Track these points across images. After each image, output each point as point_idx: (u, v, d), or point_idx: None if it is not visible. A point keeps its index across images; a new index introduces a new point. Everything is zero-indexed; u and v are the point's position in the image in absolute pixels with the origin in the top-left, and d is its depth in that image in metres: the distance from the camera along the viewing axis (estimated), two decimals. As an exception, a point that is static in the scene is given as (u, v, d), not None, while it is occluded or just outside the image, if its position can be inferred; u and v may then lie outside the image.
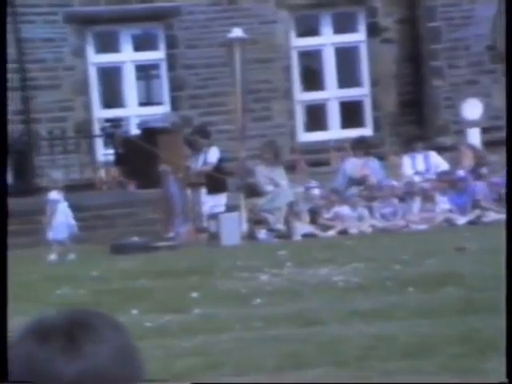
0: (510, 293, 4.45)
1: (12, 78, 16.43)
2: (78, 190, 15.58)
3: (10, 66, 16.42)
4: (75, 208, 14.59)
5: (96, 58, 17.25)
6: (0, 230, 4.27)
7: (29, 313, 8.23)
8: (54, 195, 13.20)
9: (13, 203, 14.93)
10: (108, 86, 17.67)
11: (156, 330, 7.09)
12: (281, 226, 14.13)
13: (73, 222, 13.31)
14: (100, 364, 1.26)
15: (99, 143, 17.24)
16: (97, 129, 17.27)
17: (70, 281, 10.13)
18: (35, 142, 16.40)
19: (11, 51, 16.34)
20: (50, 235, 13.11)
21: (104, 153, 16.82)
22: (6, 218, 4.49)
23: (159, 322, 7.48)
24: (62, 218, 13.12)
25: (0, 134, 5.32)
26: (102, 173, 16.36)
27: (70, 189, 15.62)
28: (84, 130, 16.74)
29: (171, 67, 17.29)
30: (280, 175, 14.76)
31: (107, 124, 17.59)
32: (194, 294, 8.72)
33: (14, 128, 16.35)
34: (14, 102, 16.45)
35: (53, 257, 12.88)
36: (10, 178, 15.26)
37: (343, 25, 18.08)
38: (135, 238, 13.61)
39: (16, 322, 7.71)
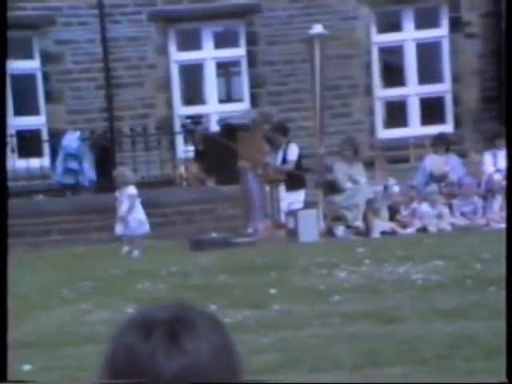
0: (510, 293, 4.35)
1: (97, 77, 16.76)
2: (158, 186, 15.80)
3: (96, 65, 16.77)
4: (155, 204, 14.79)
5: (178, 56, 17.43)
6: (0, 230, 4.27)
7: (110, 307, 8.38)
8: (132, 190, 13.25)
9: (96, 199, 15.25)
10: (189, 83, 17.83)
11: (235, 325, 7.14)
12: (359, 223, 14.07)
13: (145, 217, 13.35)
14: (200, 361, 1.27)
15: (180, 140, 17.42)
16: (178, 125, 17.45)
17: (150, 276, 10.25)
18: (118, 139, 16.66)
19: (97, 50, 16.65)
20: (126, 230, 13.13)
21: (184, 149, 16.99)
22: (5, 218, 4.49)
23: (238, 318, 7.53)
24: (138, 213, 13.20)
25: (0, 132, 5.35)
26: (182, 169, 16.52)
27: (150, 185, 15.86)
28: (165, 127, 16.94)
29: (251, 64, 17.36)
30: (359, 172, 14.69)
31: (188, 121, 17.76)
32: (273, 290, 8.75)
33: (98, 125, 16.65)
34: (98, 100, 16.75)
35: (125, 252, 12.96)
36: (93, 175, 15.56)
37: (425, 20, 17.90)
38: (214, 234, 13.71)
39: (99, 316, 7.85)
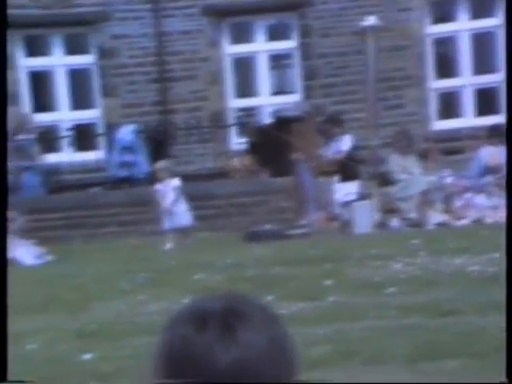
0: (510, 293, 4.30)
1: (151, 71, 16.91)
2: (212, 178, 15.90)
3: (150, 59, 16.92)
4: (209, 196, 14.89)
5: (231, 49, 17.49)
6: (0, 230, 4.28)
7: (166, 298, 8.49)
8: (176, 182, 13.30)
9: (150, 191, 15.37)
10: (241, 75, 17.89)
11: (290, 317, 7.18)
12: (414, 215, 14.01)
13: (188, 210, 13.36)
14: (255, 354, 1.26)
15: (233, 132, 17.49)
16: (231, 118, 17.53)
17: (205, 267, 10.33)
18: (171, 132, 16.79)
19: (151, 44, 16.81)
20: (170, 223, 13.12)
21: (237, 142, 17.06)
22: (5, 216, 4.50)
23: (293, 310, 7.57)
24: (182, 206, 13.25)
25: (0, 132, 5.38)
26: (236, 161, 16.59)
27: (204, 177, 15.96)
28: (218, 120, 17.02)
29: (304, 56, 17.36)
30: (413, 163, 14.63)
31: (241, 113, 17.82)
32: (328, 282, 8.77)
33: (152, 118, 16.80)
34: (152, 94, 16.90)
35: (169, 245, 12.93)
36: (147, 167, 15.70)
37: (480, 10, 17.71)
38: (268, 226, 13.76)
39: (155, 307, 7.94)
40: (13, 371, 6.27)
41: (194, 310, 1.30)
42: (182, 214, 13.13)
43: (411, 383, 5.26)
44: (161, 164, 13.79)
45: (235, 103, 17.69)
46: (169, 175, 13.33)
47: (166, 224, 13.14)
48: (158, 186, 13.31)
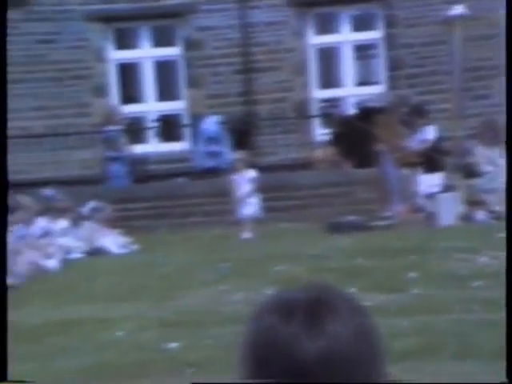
0: (510, 292, 4.18)
1: (236, 62, 16.99)
2: (295, 169, 15.91)
3: (235, 50, 17.01)
4: (292, 187, 14.91)
5: (315, 40, 17.45)
6: (0, 230, 4.28)
7: (249, 288, 8.54)
8: (252, 173, 13.39)
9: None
10: (326, 66, 17.84)
11: (374, 308, 7.16)
12: (500, 208, 13.79)
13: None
14: (342, 344, 1.25)
15: (316, 123, 17.46)
16: (314, 109, 17.50)
17: (287, 258, 10.36)
18: (255, 123, 16.85)
19: (237, 36, 16.89)
20: (245, 213, 13.19)
21: (321, 132, 17.02)
22: (6, 212, 4.50)
23: (377, 301, 7.54)
24: (255, 197, 13.32)
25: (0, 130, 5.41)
26: (319, 152, 16.57)
27: (287, 168, 15.99)
28: (302, 110, 17.01)
29: (389, 46, 17.21)
30: (499, 155, 14.39)
31: (324, 104, 17.78)
32: (412, 274, 8.71)
33: (237, 109, 16.89)
34: (237, 85, 16.99)
35: (246, 235, 13.00)
36: (231, 158, 15.79)
37: None
38: (351, 217, 13.72)
39: (238, 297, 8.01)
40: (102, 356, 6.41)
41: (280, 300, 1.30)
42: (254, 205, 13.26)
43: (417, 383, 5.16)
44: (237, 155, 13.98)
45: (319, 94, 17.65)
46: (245, 166, 13.51)
47: (240, 214, 13.27)
48: (234, 177, 13.47)
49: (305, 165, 16.08)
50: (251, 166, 14.08)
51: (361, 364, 1.25)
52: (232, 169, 13.86)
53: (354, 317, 1.28)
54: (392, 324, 6.72)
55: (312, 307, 1.27)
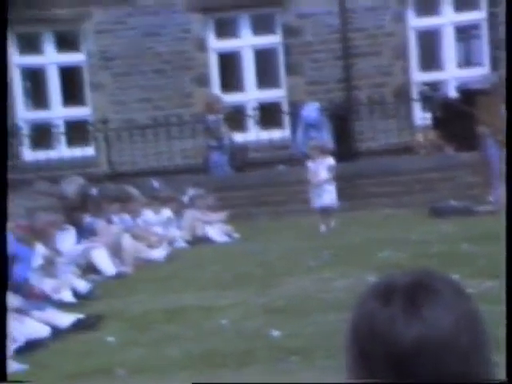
0: (510, 291, 3.99)
1: (336, 48, 16.95)
2: (396, 154, 15.79)
3: (335, 36, 16.96)
4: (394, 172, 14.81)
5: (416, 22, 17.26)
6: (0, 229, 4.24)
7: (352, 275, 8.55)
8: (331, 161, 13.01)
9: (335, 168, 15.46)
10: (427, 49, 17.62)
11: (477, 295, 7.09)
12: None
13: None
14: (440, 330, 1.24)
15: (417, 107, 17.29)
16: (415, 93, 17.32)
17: (390, 244, 10.32)
18: (355, 108, 16.79)
19: (336, 22, 16.85)
20: (323, 202, 12.76)
21: (422, 116, 16.84)
22: (5, 212, 4.47)
23: (480, 288, 7.46)
24: (331, 186, 12.92)
25: (0, 128, 5.39)
26: (420, 137, 16.40)
27: (388, 153, 15.88)
28: (402, 95, 16.86)
29: (492, 27, 16.89)
30: None
31: (425, 87, 17.57)
32: (517, 261, 8.56)
33: (336, 95, 16.86)
34: (336, 71, 16.96)
35: (323, 227, 12.61)
36: (331, 144, 15.80)
37: None
38: (454, 202, 13.56)
39: (341, 284, 8.00)
40: (205, 346, 6.53)
41: (381, 285, 1.31)
42: (331, 195, 12.80)
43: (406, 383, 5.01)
44: (313, 142, 13.59)
45: (420, 77, 17.45)
46: (321, 153, 12.96)
47: (315, 203, 12.79)
48: (310, 164, 13.00)
49: (406, 150, 15.94)
50: (347, 152, 13.91)
51: (460, 352, 1.24)
52: (308, 156, 13.31)
53: (457, 302, 1.28)
54: (496, 311, 6.64)
55: (413, 291, 1.27)
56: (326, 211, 12.71)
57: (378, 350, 1.26)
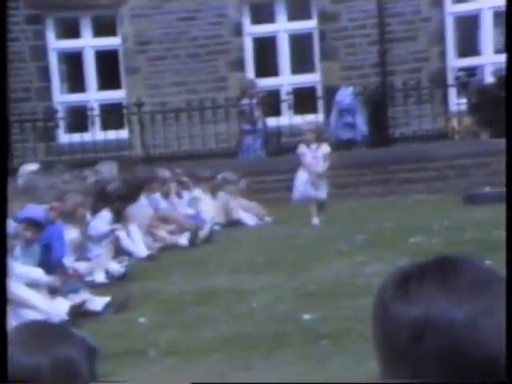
0: (510, 291, 3.91)
1: (371, 33, 16.87)
2: (430, 139, 15.72)
3: (371, 21, 16.88)
4: (428, 158, 14.74)
5: (453, 8, 17.13)
6: (0, 229, 4.22)
7: (384, 260, 8.55)
8: (326, 148, 11.98)
9: (369, 154, 15.46)
10: (464, 34, 17.48)
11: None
12: None
13: None
14: (438, 313, 1.22)
15: (452, 93, 17.17)
16: (451, 78, 17.20)
17: (422, 230, 10.28)
18: (390, 94, 16.71)
19: (372, 7, 16.77)
20: (308, 193, 11.91)
21: (457, 102, 16.73)
22: (5, 210, 4.44)
23: (514, 275, 7.41)
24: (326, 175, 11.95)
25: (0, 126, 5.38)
26: (455, 122, 16.30)
27: (422, 139, 15.81)
28: (438, 80, 16.75)
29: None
30: None
31: (461, 73, 17.44)
32: (551, 248, 8.50)
33: (371, 80, 16.79)
34: (371, 56, 16.88)
35: (315, 220, 11.79)
36: (366, 130, 15.76)
37: None
38: (488, 189, 13.46)
39: (373, 269, 7.98)
40: (236, 329, 6.57)
41: (398, 272, 1.30)
42: (324, 186, 11.91)
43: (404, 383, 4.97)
44: (308, 124, 12.49)
45: (456, 63, 17.33)
46: (317, 139, 11.80)
47: (308, 194, 11.86)
48: (305, 150, 11.85)
49: (441, 135, 15.87)
50: (382, 138, 13.73)
51: (460, 338, 1.21)
52: (303, 141, 12.03)
53: (481, 286, 1.24)
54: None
55: (425, 276, 1.26)
56: (320, 204, 11.84)
57: (384, 336, 1.27)
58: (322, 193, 11.87)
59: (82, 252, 9.17)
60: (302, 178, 11.85)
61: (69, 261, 8.66)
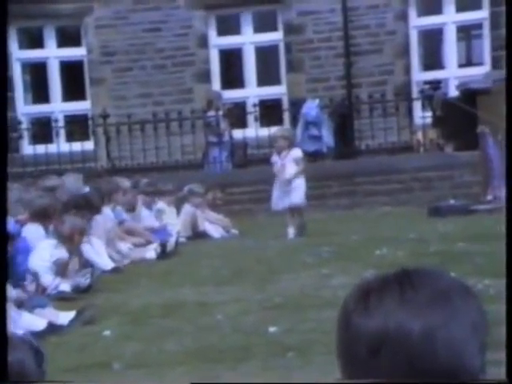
0: (511, 290, 4.00)
1: (337, 46, 16.96)
2: (395, 152, 15.80)
3: (336, 33, 16.96)
4: (393, 170, 14.82)
5: (418, 22, 17.27)
6: (0, 231, 4.20)
7: (350, 272, 8.55)
8: (298, 153, 11.70)
9: (335, 166, 15.50)
10: (428, 48, 17.64)
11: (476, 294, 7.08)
12: None
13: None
14: (398, 324, 1.21)
15: (417, 106, 17.29)
16: (415, 91, 17.33)
17: (388, 242, 10.31)
18: (356, 106, 16.79)
19: (338, 19, 16.85)
20: (285, 200, 11.60)
21: (422, 115, 16.86)
22: (5, 210, 4.43)
23: (479, 287, 7.45)
24: (302, 181, 11.69)
25: (0, 127, 5.38)
26: (420, 135, 16.41)
27: (387, 151, 15.89)
28: (403, 93, 16.87)
29: (494, 26, 16.89)
30: None
31: (426, 86, 17.58)
32: (515, 260, 8.56)
33: (337, 93, 16.86)
34: (337, 68, 16.96)
35: (291, 231, 11.63)
36: (331, 142, 15.81)
37: None
38: (452, 201, 13.56)
39: (339, 281, 7.98)
40: (202, 341, 6.53)
41: (359, 285, 1.32)
42: (299, 191, 11.55)
43: (406, 383, 5.02)
44: (278, 132, 12.11)
45: (421, 76, 17.47)
46: (289, 145, 11.47)
47: (280, 203, 11.57)
48: (275, 158, 11.58)
49: (405, 148, 15.96)
50: (347, 150, 13.79)
51: (416, 351, 1.21)
52: (275, 148, 11.69)
53: (440, 298, 1.25)
54: (495, 310, 6.63)
55: (384, 289, 1.27)
56: (294, 211, 11.54)
57: (344, 347, 1.27)
58: (295, 198, 11.49)
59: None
60: (275, 186, 11.69)
61: (36, 274, 8.57)
